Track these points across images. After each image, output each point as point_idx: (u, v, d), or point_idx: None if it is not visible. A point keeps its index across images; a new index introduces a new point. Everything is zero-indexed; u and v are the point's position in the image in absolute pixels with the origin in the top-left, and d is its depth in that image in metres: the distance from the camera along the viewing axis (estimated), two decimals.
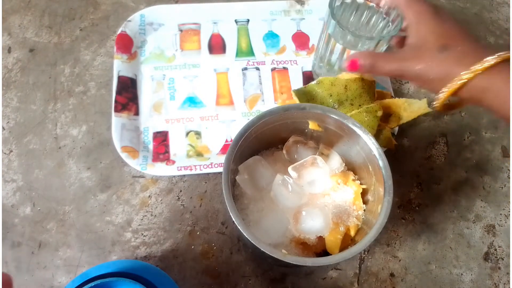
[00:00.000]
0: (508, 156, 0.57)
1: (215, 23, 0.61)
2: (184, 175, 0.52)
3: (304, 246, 0.43)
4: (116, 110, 0.53)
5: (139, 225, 0.50)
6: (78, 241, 0.49)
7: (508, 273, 0.50)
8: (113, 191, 0.51)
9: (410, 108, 0.49)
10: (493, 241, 0.52)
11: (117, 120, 0.52)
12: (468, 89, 0.36)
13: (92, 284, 0.33)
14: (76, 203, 0.50)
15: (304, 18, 0.62)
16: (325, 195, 0.45)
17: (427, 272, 0.50)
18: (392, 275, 0.50)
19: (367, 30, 0.49)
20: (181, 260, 0.49)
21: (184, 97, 0.56)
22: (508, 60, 0.34)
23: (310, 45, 0.61)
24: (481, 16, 0.66)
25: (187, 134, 0.54)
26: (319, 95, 0.48)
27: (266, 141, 0.48)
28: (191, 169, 0.51)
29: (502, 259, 0.51)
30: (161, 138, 0.54)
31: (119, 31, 0.57)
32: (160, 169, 0.51)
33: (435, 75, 0.37)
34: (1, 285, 0.28)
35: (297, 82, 0.58)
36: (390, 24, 0.46)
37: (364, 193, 0.45)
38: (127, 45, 0.57)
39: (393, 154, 0.53)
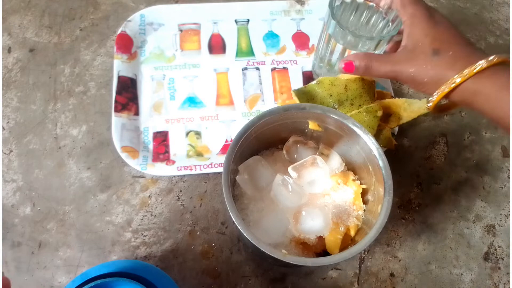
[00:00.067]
0: (508, 156, 0.57)
1: (215, 23, 0.61)
2: (184, 175, 0.52)
3: (304, 246, 0.43)
4: (116, 110, 0.53)
5: (139, 225, 0.50)
6: (78, 241, 0.49)
7: (508, 273, 0.50)
8: (113, 191, 0.51)
9: (410, 108, 0.49)
10: (493, 241, 0.52)
11: (117, 120, 0.52)
12: (459, 92, 0.36)
13: (92, 284, 0.33)
14: (76, 203, 0.50)
15: (304, 18, 0.62)
16: (325, 195, 0.45)
17: (427, 272, 0.50)
18: (392, 275, 0.50)
19: (367, 30, 0.49)
20: (181, 260, 0.49)
21: (184, 97, 0.56)
22: (498, 64, 0.35)
23: (310, 45, 0.61)
24: (481, 16, 0.66)
25: (187, 134, 0.54)
26: (319, 95, 0.48)
27: (266, 141, 0.48)
28: (191, 169, 0.51)
29: (502, 259, 0.51)
30: (161, 138, 0.54)
31: (119, 31, 0.57)
32: (160, 169, 0.51)
33: (428, 78, 0.38)
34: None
35: (297, 82, 0.58)
36: (390, 24, 0.46)
37: (364, 193, 0.45)
38: (127, 45, 0.57)
39: (393, 154, 0.53)
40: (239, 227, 0.36)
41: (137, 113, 0.55)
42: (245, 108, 0.56)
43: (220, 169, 0.44)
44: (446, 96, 0.38)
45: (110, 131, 0.52)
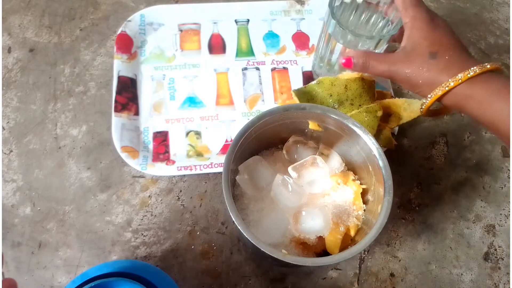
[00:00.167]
0: (508, 156, 0.57)
1: (215, 23, 0.61)
2: (184, 175, 0.52)
3: (304, 246, 0.43)
4: (116, 110, 0.53)
5: (139, 225, 0.50)
6: (78, 241, 0.49)
7: (508, 273, 0.50)
8: (113, 191, 0.51)
9: (410, 108, 0.49)
10: (493, 241, 0.52)
11: (117, 120, 0.52)
12: (452, 96, 0.37)
13: (92, 284, 0.33)
14: (76, 203, 0.50)
15: (304, 18, 0.62)
16: (325, 195, 0.45)
17: (427, 272, 0.50)
18: (392, 275, 0.50)
19: (367, 30, 0.49)
20: (181, 260, 0.49)
21: (184, 97, 0.56)
22: (490, 71, 0.36)
23: (310, 45, 0.61)
24: (481, 16, 0.66)
25: (187, 134, 0.54)
26: (319, 95, 0.48)
27: (266, 141, 0.48)
28: (191, 169, 0.51)
29: (502, 259, 0.51)
30: (161, 138, 0.54)
31: (119, 31, 0.57)
32: (160, 169, 0.51)
33: (423, 80, 0.39)
34: None
35: (297, 82, 0.58)
36: (390, 24, 0.46)
37: (364, 193, 0.45)
38: (127, 45, 0.57)
39: (393, 154, 0.53)
40: (239, 227, 0.36)
41: (137, 113, 0.55)
42: (245, 108, 0.56)
43: (220, 169, 0.44)
44: (439, 99, 0.39)
45: (110, 131, 0.52)
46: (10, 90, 0.56)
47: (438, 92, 0.37)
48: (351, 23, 0.49)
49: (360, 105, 0.48)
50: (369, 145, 0.41)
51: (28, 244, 0.49)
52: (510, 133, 0.34)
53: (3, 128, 0.54)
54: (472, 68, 0.36)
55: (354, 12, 0.49)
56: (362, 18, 0.49)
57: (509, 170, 0.56)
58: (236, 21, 0.61)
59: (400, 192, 0.53)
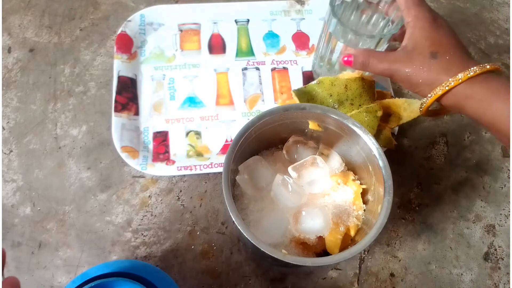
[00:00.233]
0: (508, 156, 0.57)
1: (215, 23, 0.61)
2: (184, 175, 0.52)
3: (304, 246, 0.43)
4: (116, 110, 0.53)
5: (139, 225, 0.50)
6: (78, 241, 0.49)
7: (508, 273, 0.50)
8: (113, 191, 0.51)
9: (410, 108, 0.49)
10: (493, 241, 0.52)
11: (117, 120, 0.52)
12: (452, 96, 0.38)
13: (92, 284, 0.33)
14: (76, 203, 0.50)
15: (304, 18, 0.62)
16: (325, 195, 0.45)
17: (427, 272, 0.50)
18: (392, 275, 0.50)
19: (367, 30, 0.49)
20: (181, 260, 0.49)
21: (184, 97, 0.56)
22: (490, 71, 0.36)
23: (310, 45, 0.61)
24: (481, 16, 0.66)
25: (187, 134, 0.54)
26: (319, 95, 0.48)
27: (266, 141, 0.48)
28: (191, 169, 0.51)
29: (502, 259, 0.51)
30: (161, 138, 0.54)
31: (119, 31, 0.57)
32: (160, 169, 0.51)
33: (423, 80, 0.39)
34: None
35: (297, 82, 0.58)
36: (390, 24, 0.46)
37: (364, 193, 0.45)
38: (127, 45, 0.57)
39: (393, 154, 0.53)
40: (239, 227, 0.36)
41: (137, 113, 0.55)
42: (245, 108, 0.56)
43: (220, 169, 0.44)
44: (439, 99, 0.39)
45: (110, 131, 0.52)
46: (10, 90, 0.56)
47: (438, 91, 0.38)
48: (351, 23, 0.49)
49: (360, 105, 0.48)
50: (369, 145, 0.41)
51: (28, 244, 0.49)
52: (510, 133, 0.34)
53: (3, 128, 0.54)
54: (472, 68, 0.36)
55: (354, 12, 0.49)
56: (363, 18, 0.49)
57: (509, 170, 0.56)
58: (236, 21, 0.61)
59: (400, 192, 0.53)
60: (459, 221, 0.53)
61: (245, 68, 0.58)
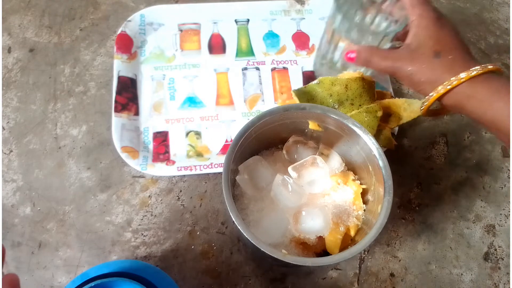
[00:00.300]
0: (508, 156, 0.57)
1: (215, 23, 0.61)
2: (184, 175, 0.52)
3: (304, 246, 0.43)
4: (116, 110, 0.53)
5: (139, 225, 0.50)
6: (78, 241, 0.49)
7: (508, 273, 0.50)
8: (113, 191, 0.51)
9: (410, 108, 0.49)
10: (493, 241, 0.52)
11: (117, 120, 0.52)
12: (453, 95, 0.38)
13: (92, 284, 0.33)
14: (76, 203, 0.50)
15: (304, 18, 0.62)
16: (325, 195, 0.45)
17: (427, 272, 0.50)
18: (392, 275, 0.50)
19: (371, 30, 0.49)
20: (181, 260, 0.49)
21: (184, 97, 0.56)
22: (491, 71, 0.37)
23: (310, 45, 0.61)
24: (481, 16, 0.66)
25: (187, 134, 0.54)
26: (319, 95, 0.48)
27: (266, 141, 0.48)
28: (191, 169, 0.51)
29: (502, 259, 0.51)
30: (161, 138, 0.54)
31: (119, 31, 0.57)
32: (160, 169, 0.51)
33: (425, 79, 0.39)
34: (9, 285, 0.29)
35: (297, 82, 0.58)
36: (392, 25, 0.46)
37: (364, 193, 0.45)
38: (127, 45, 0.57)
39: (393, 154, 0.53)
40: (239, 227, 0.36)
41: (137, 113, 0.55)
42: (245, 108, 0.56)
43: (220, 169, 0.44)
44: (440, 98, 0.39)
45: (110, 131, 0.52)
46: (10, 90, 0.56)
47: (441, 90, 0.38)
48: (355, 22, 0.49)
49: (360, 105, 0.48)
50: (369, 145, 0.41)
51: (28, 244, 0.49)
52: (510, 132, 0.34)
53: (3, 128, 0.54)
54: (474, 68, 0.36)
55: (359, 11, 0.48)
56: (367, 18, 0.48)
57: (509, 170, 0.56)
58: (236, 21, 0.61)
59: (400, 192, 0.53)
60: (459, 221, 0.53)
61: (245, 68, 0.58)
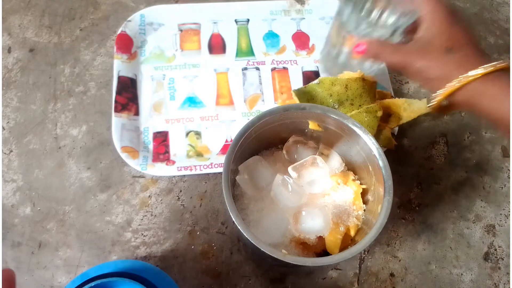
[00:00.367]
0: (508, 156, 0.57)
1: (215, 23, 0.61)
2: (184, 175, 0.52)
3: (304, 246, 0.43)
4: (116, 110, 0.53)
5: (139, 225, 0.50)
6: (78, 241, 0.49)
7: (508, 273, 0.50)
8: (113, 191, 0.51)
9: (410, 108, 0.49)
10: (493, 241, 0.52)
11: (117, 120, 0.52)
12: (464, 92, 0.37)
13: (92, 284, 0.33)
14: (76, 203, 0.50)
15: (304, 18, 0.62)
16: (325, 195, 0.45)
17: (427, 272, 0.50)
18: (392, 275, 0.50)
19: (378, 26, 0.49)
20: (181, 260, 0.49)
21: (184, 97, 0.56)
22: (504, 69, 0.36)
23: (310, 45, 0.61)
24: (481, 16, 0.66)
25: (187, 134, 0.54)
26: (319, 95, 0.48)
27: (266, 141, 0.48)
28: (191, 169, 0.51)
29: (502, 259, 0.51)
30: (161, 138, 0.54)
31: (119, 31, 0.57)
32: (160, 169, 0.51)
33: (435, 75, 0.38)
34: (4, 280, 0.29)
35: (297, 82, 0.58)
36: (402, 18, 0.45)
37: (364, 193, 0.45)
38: (127, 45, 0.57)
39: (393, 154, 0.53)
40: (239, 227, 0.36)
41: (137, 113, 0.55)
42: (245, 108, 0.56)
43: (220, 169, 0.44)
44: (451, 94, 0.38)
45: (110, 131, 0.52)
46: (10, 90, 0.56)
47: (452, 86, 0.37)
48: (363, 17, 0.49)
49: (360, 105, 0.48)
50: (369, 145, 0.41)
51: (28, 244, 0.49)
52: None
53: (3, 128, 0.54)
54: (486, 65, 0.36)
55: (367, 3, 0.48)
56: (374, 13, 0.48)
57: (509, 170, 0.56)
58: (236, 21, 0.61)
59: (400, 192, 0.53)
60: (459, 221, 0.53)
61: (245, 68, 0.58)
